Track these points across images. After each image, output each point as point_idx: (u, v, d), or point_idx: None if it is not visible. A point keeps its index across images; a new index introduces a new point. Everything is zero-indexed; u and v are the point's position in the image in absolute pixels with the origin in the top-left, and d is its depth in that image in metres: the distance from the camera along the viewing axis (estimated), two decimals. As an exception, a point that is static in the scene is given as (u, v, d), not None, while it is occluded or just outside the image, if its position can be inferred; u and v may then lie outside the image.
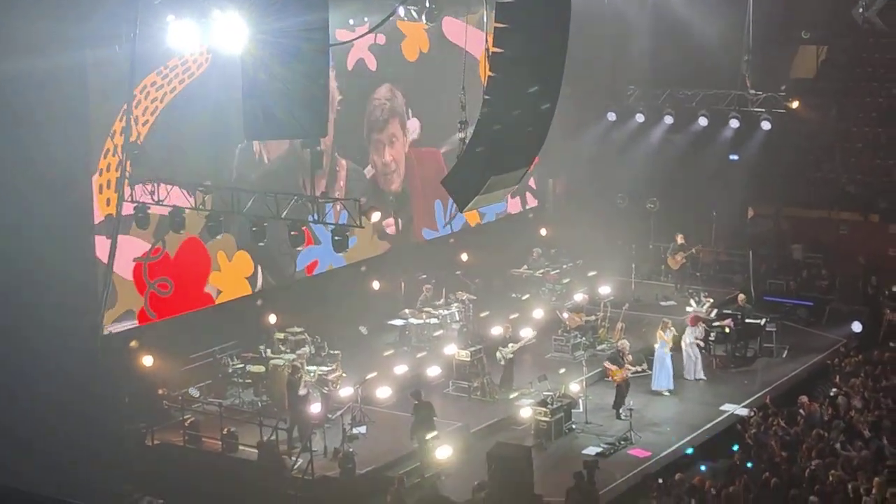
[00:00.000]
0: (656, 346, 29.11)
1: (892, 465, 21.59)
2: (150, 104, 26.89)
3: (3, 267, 23.83)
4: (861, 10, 34.22)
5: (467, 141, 18.81)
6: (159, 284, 27.79)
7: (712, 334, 30.83)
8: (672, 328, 29.42)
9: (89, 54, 23.95)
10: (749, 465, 22.79)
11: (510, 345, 29.05)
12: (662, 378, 28.99)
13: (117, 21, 23.80)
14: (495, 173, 18.57)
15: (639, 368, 28.12)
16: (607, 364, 28.24)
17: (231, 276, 29.61)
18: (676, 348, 29.72)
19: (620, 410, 27.43)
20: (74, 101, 24.85)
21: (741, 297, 32.55)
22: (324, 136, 20.50)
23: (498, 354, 28.99)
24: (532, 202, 40.42)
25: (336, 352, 28.67)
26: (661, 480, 22.55)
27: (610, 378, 28.16)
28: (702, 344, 30.31)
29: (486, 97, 18.08)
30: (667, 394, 28.97)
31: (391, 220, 33.76)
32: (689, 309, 31.71)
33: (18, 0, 22.78)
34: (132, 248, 27.05)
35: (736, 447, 24.23)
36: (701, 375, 29.95)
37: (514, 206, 39.24)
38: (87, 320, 25.58)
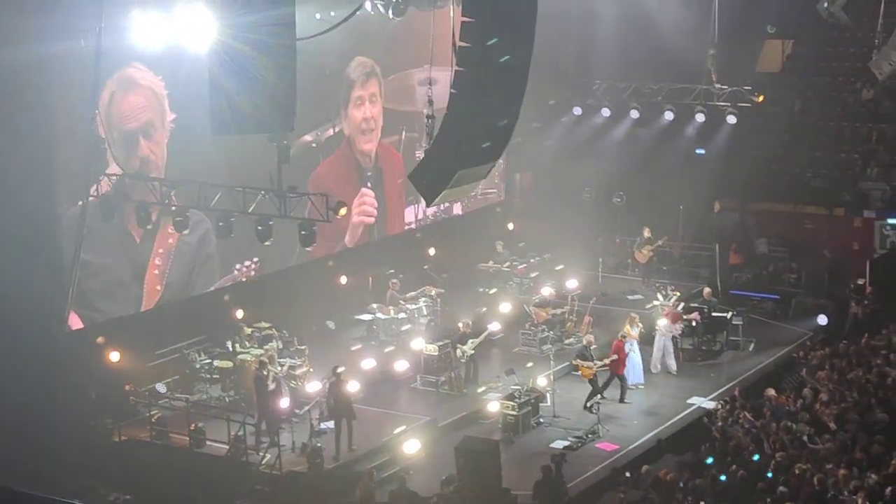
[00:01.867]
0: (628, 346, 29.05)
1: (859, 457, 21.73)
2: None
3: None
4: (826, 4, 34.30)
5: (434, 135, 18.82)
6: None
7: (680, 329, 30.89)
8: (639, 323, 29.49)
9: (54, 47, 23.76)
10: (710, 460, 22.89)
11: (470, 341, 29.04)
12: (632, 373, 29.04)
13: (82, 15, 23.65)
14: (463, 167, 18.59)
15: (607, 361, 28.16)
16: (577, 361, 28.25)
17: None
18: (646, 341, 29.80)
19: (589, 403, 27.50)
20: (40, 94, 24.63)
21: (707, 290, 32.66)
22: (291, 130, 20.43)
23: (458, 352, 28.97)
24: (500, 196, 40.39)
25: (303, 347, 28.64)
26: (628, 474, 22.62)
27: (580, 374, 28.15)
28: (678, 336, 30.45)
29: (453, 91, 18.10)
30: (639, 388, 29.06)
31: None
32: (655, 303, 31.81)
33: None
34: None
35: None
36: (673, 369, 30.08)
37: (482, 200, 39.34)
38: (51, 316, 25.44)
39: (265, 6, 18.06)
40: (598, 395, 27.71)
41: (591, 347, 28.39)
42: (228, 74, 18.43)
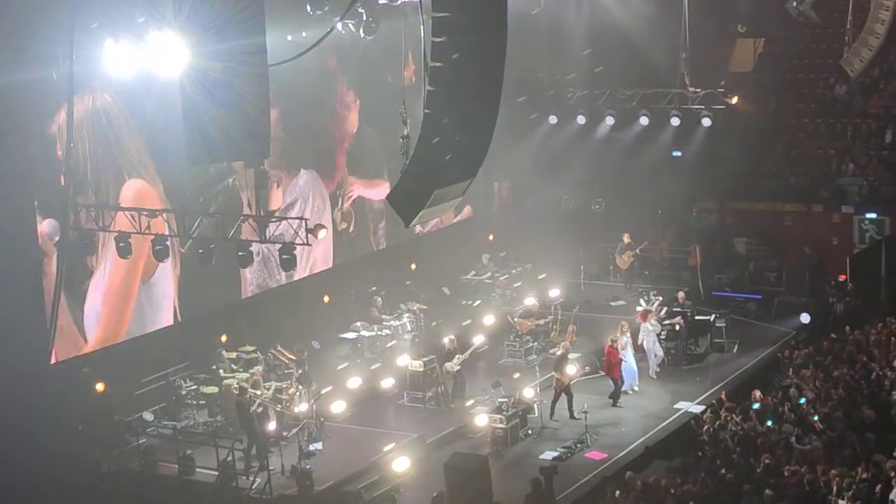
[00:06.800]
0: (622, 353, 29.03)
1: (847, 455, 21.80)
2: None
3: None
4: (795, 3, 34.52)
5: (409, 155, 18.81)
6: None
7: (663, 332, 30.95)
8: (628, 330, 29.53)
9: (26, 75, 23.69)
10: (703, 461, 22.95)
11: (456, 357, 29.04)
12: (627, 377, 29.11)
13: (54, 44, 23.62)
14: (439, 187, 18.55)
15: (580, 375, 28.24)
16: (555, 373, 28.21)
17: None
18: (637, 349, 29.90)
19: (575, 412, 27.56)
20: (12, 121, 24.54)
21: (681, 295, 32.67)
22: (267, 157, 20.44)
23: (445, 367, 28.97)
24: (478, 208, 40.38)
25: (290, 370, 28.62)
26: (618, 492, 22.54)
27: (555, 386, 28.11)
28: (663, 335, 30.51)
29: (427, 111, 18.08)
30: (632, 392, 29.14)
31: None
32: (639, 308, 31.86)
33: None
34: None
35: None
36: (651, 374, 30.19)
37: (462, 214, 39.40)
38: (35, 348, 25.36)
39: (236, 34, 18.02)
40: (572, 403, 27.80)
41: (568, 356, 28.39)
42: (201, 103, 18.35)
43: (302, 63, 21.26)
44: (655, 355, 30.33)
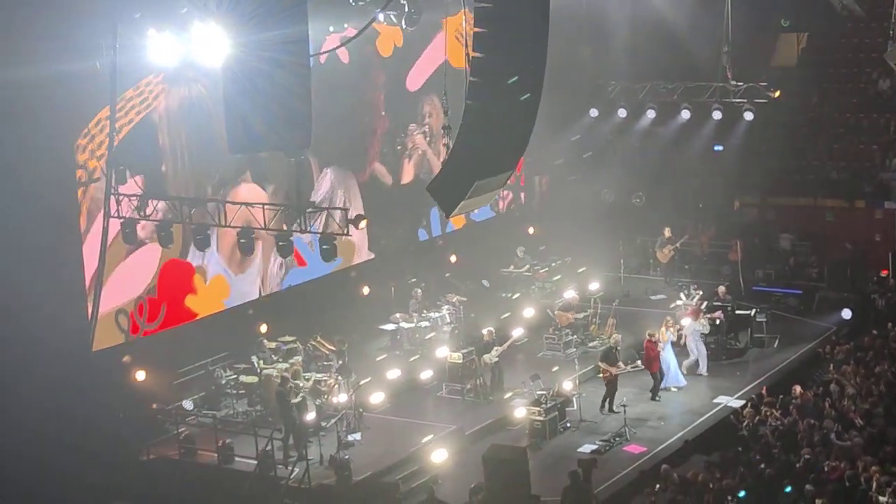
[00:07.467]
0: (660, 346, 28.96)
1: (888, 451, 21.67)
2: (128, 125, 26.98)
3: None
4: (839, -4, 34.36)
5: (451, 146, 18.84)
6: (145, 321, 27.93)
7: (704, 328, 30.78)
8: (673, 326, 29.39)
9: (70, 66, 23.85)
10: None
11: (494, 349, 29.03)
12: (669, 375, 29.00)
13: (98, 34, 23.78)
14: (480, 177, 18.59)
15: (628, 368, 28.12)
16: (601, 364, 28.19)
17: (207, 299, 29.58)
18: (676, 345, 29.76)
19: (613, 406, 27.47)
20: (56, 113, 24.70)
21: (721, 289, 32.52)
22: (307, 147, 20.46)
23: (483, 359, 28.96)
24: (519, 201, 40.45)
25: (329, 361, 28.67)
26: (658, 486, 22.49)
27: (602, 376, 28.10)
28: (706, 333, 30.38)
29: (468, 102, 18.12)
30: (677, 389, 29.03)
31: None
32: (678, 303, 31.72)
33: (1, 12, 22.68)
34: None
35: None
36: (703, 371, 30.01)
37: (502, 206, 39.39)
38: (76, 336, 25.56)
39: (278, 24, 18.10)
40: (612, 398, 27.69)
41: (617, 348, 28.33)
42: (243, 93, 18.48)
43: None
44: (700, 353, 30.06)
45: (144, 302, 27.70)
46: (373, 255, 34.00)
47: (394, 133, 34.93)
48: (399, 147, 35.14)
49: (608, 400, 27.73)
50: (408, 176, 35.38)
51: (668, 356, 28.93)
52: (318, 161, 31.97)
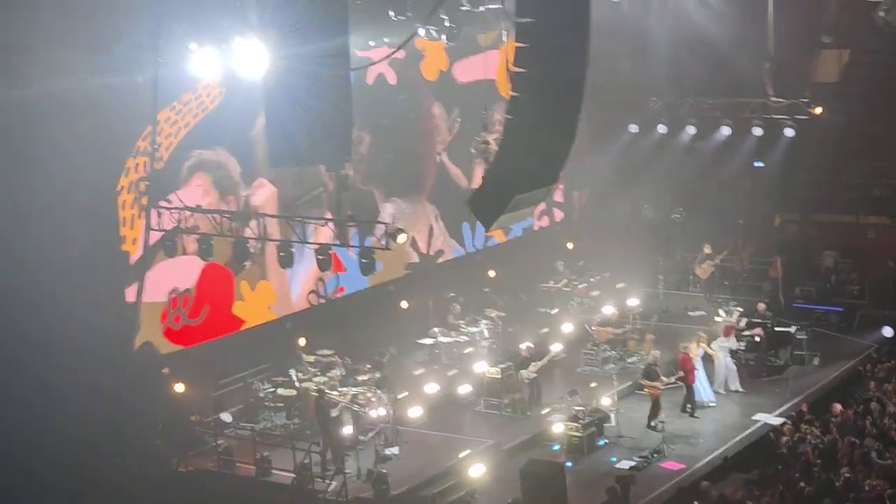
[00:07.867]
0: (695, 360, 28.78)
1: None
2: (166, 139, 27.09)
3: (35, 290, 23.51)
4: (882, 13, 34.00)
5: (491, 160, 18.82)
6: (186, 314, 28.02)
7: (742, 344, 30.64)
8: (705, 342, 29.26)
9: (113, 80, 24.02)
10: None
11: (532, 364, 28.97)
12: (703, 392, 28.87)
13: (140, 48, 23.93)
14: (520, 192, 18.55)
15: (673, 379, 28.01)
16: (643, 381, 28.09)
17: (254, 306, 29.74)
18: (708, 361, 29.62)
19: (653, 422, 27.36)
20: (98, 126, 24.85)
21: (761, 306, 32.34)
22: (348, 161, 20.55)
23: (521, 375, 28.92)
24: (558, 216, 40.45)
25: (367, 377, 28.66)
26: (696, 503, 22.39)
27: (649, 393, 27.98)
28: (740, 350, 30.16)
29: (508, 116, 18.11)
30: (710, 405, 28.87)
31: None
32: (717, 319, 31.53)
33: (43, 25, 22.85)
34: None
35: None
36: (737, 387, 29.81)
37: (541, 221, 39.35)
38: (118, 346, 25.69)
39: (319, 37, 18.12)
40: (657, 415, 27.57)
41: (658, 364, 28.21)
42: (283, 106, 18.50)
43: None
44: (728, 370, 29.91)
45: (190, 295, 28.04)
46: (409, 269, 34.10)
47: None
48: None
49: (654, 416, 27.60)
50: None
51: (699, 372, 28.81)
52: (385, 192, 32.67)
